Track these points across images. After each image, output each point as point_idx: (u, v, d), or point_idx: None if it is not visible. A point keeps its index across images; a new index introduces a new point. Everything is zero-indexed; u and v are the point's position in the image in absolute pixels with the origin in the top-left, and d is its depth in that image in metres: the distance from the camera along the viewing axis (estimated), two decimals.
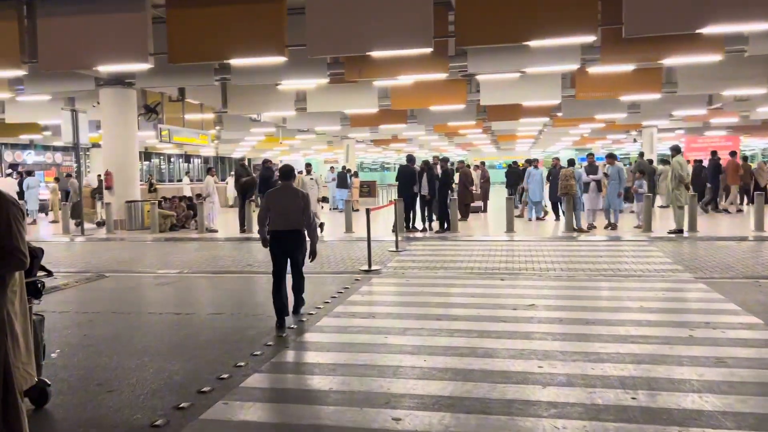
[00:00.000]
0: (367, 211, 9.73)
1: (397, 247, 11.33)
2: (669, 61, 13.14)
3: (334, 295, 7.71)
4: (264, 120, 22.69)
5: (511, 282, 8.31)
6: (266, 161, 15.02)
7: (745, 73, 15.75)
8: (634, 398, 4.14)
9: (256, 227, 15.11)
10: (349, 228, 14.24)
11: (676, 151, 12.83)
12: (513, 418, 3.86)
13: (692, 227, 12.39)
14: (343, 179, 22.46)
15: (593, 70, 15.23)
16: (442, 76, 14.29)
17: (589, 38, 11.25)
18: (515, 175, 21.05)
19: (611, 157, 13.55)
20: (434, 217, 14.48)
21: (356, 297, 7.63)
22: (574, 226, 13.20)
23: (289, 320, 6.56)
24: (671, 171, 12.51)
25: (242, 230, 15.09)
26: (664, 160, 21.45)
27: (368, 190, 24.29)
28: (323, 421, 3.94)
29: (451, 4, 12.12)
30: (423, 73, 13.95)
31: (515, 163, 22.64)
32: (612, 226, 13.11)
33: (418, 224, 14.41)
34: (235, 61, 12.52)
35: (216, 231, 15.48)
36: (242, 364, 5.10)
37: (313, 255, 6.56)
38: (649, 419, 3.79)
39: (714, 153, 19.54)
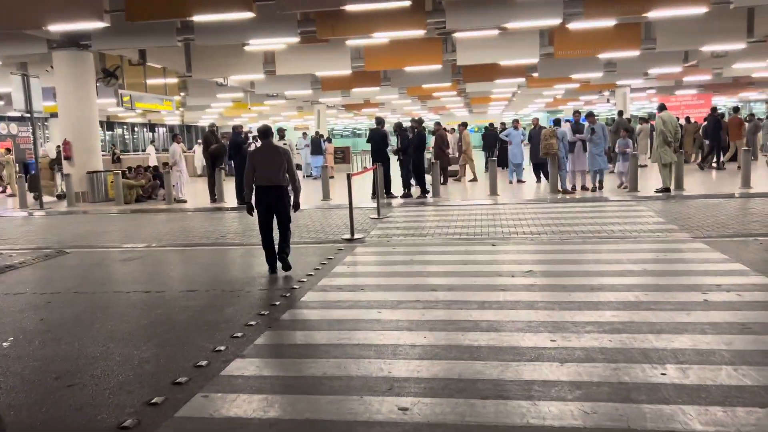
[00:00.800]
0: (348, 176, 9.15)
1: (378, 213, 10.80)
2: (654, 14, 12.67)
3: (317, 266, 7.18)
4: (231, 85, 21.66)
5: (503, 247, 7.87)
6: (237, 127, 14.23)
7: (725, 27, 15.39)
8: (663, 374, 3.73)
9: (227, 196, 14.57)
10: (326, 195, 13.63)
11: (661, 108, 12.47)
12: (535, 402, 3.42)
13: (679, 185, 12.12)
14: (317, 145, 21.72)
15: (573, 26, 14.69)
16: (419, 33, 13.62)
17: None
18: (492, 138, 20.63)
19: (592, 116, 13.08)
20: (413, 182, 13.94)
21: (341, 268, 7.11)
22: (559, 188, 12.83)
23: (272, 296, 6.03)
24: (657, 128, 12.17)
25: (213, 200, 14.38)
26: (642, 119, 21.24)
27: (342, 156, 23.59)
28: (319, 414, 3.44)
29: None
30: (399, 29, 13.25)
31: (491, 125, 22.20)
32: (599, 185, 12.73)
33: (396, 190, 13.86)
34: (199, 18, 11.70)
35: (185, 201, 14.74)
36: (221, 348, 4.56)
37: (297, 206, 7.01)
38: (687, 399, 3.38)
39: (714, 109, 19.35)
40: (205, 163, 16.48)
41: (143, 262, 8.24)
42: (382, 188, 11.60)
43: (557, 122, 13.39)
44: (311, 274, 6.81)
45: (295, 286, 6.32)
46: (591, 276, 6.20)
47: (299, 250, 8.17)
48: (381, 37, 14.36)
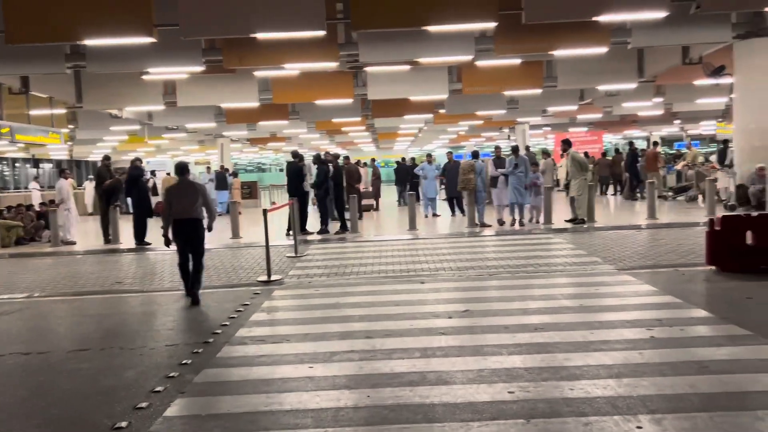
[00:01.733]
0: (264, 212, 8.46)
1: (296, 252, 10.12)
2: (559, 53, 13.09)
3: (232, 315, 6.41)
4: (126, 116, 20.20)
5: (433, 285, 7.46)
6: (135, 160, 13.09)
7: (619, 67, 16.30)
8: (639, 427, 3.38)
9: (123, 236, 13.28)
10: (235, 233, 12.76)
11: (568, 144, 12.82)
12: None
13: (591, 217, 12.38)
14: (222, 180, 20.66)
15: (481, 63, 14.97)
16: (332, 65, 13.25)
17: (489, 24, 10.79)
18: (404, 173, 20.58)
19: (517, 151, 13.11)
20: (329, 220, 13.36)
21: (260, 315, 6.39)
22: (477, 221, 12.73)
23: (181, 352, 5.21)
24: (569, 164, 12.48)
25: (107, 241, 13.05)
26: (545, 153, 22.04)
27: (249, 191, 22.62)
28: None
29: None
30: (312, 61, 12.80)
31: (403, 159, 22.21)
32: (519, 221, 12.65)
33: (311, 227, 13.24)
34: (92, 43, 10.62)
35: (74, 243, 13.27)
36: (122, 424, 3.75)
37: (210, 229, 7.38)
38: None
39: (631, 144, 20.36)
40: (97, 200, 15.04)
41: (22, 317, 7.07)
42: (298, 225, 10.95)
43: (475, 155, 13.36)
44: (226, 324, 6.05)
45: (208, 340, 5.53)
46: (531, 314, 5.90)
47: (210, 296, 7.36)
48: (292, 69, 13.86)
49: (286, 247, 10.82)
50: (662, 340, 4.94)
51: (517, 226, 12.44)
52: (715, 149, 34.45)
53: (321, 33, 10.13)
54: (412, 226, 12.72)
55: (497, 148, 13.84)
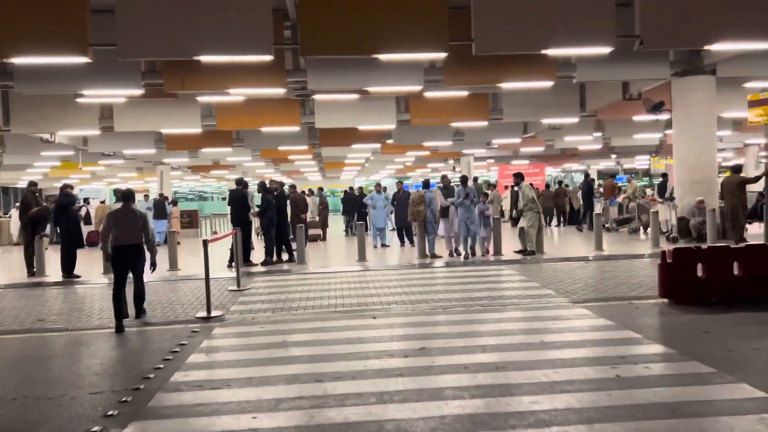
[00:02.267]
0: (204, 243, 7.91)
1: (238, 284, 9.55)
2: (507, 85, 13.19)
3: (167, 356, 5.83)
4: (59, 141, 19.13)
5: (385, 320, 7.08)
6: (66, 187, 12.23)
7: (562, 102, 16.69)
8: None
9: (49, 268, 12.35)
10: (173, 265, 12.03)
11: (520, 178, 12.84)
12: None
13: (539, 249, 12.35)
14: (160, 209, 19.76)
15: (429, 94, 14.97)
16: (279, 91, 12.89)
17: (440, 55, 10.73)
18: (352, 202, 20.28)
19: (466, 181, 12.95)
20: (273, 250, 12.84)
21: (198, 357, 5.83)
22: (427, 252, 12.48)
23: (107, 401, 4.62)
24: (521, 197, 12.50)
25: (31, 273, 12.07)
26: (491, 185, 22.23)
27: (189, 220, 21.75)
28: None
29: (288, 12, 10.90)
30: (258, 86, 12.41)
31: (351, 188, 21.93)
32: (472, 251, 12.42)
33: (254, 258, 12.66)
34: (20, 61, 9.90)
35: None
36: None
37: (154, 266, 7.45)
38: None
39: (587, 176, 20.72)
40: (22, 229, 13.97)
41: None
42: (241, 255, 10.40)
43: (426, 185, 13.15)
44: (160, 367, 5.47)
45: (139, 386, 4.96)
46: (489, 352, 5.60)
47: (143, 335, 6.76)
48: (237, 94, 13.41)
49: (228, 280, 10.23)
50: (628, 379, 4.72)
51: (470, 257, 12.22)
52: (647, 183, 35.70)
53: (268, 58, 9.76)
54: (362, 257, 12.34)
55: (444, 177, 13.68)
